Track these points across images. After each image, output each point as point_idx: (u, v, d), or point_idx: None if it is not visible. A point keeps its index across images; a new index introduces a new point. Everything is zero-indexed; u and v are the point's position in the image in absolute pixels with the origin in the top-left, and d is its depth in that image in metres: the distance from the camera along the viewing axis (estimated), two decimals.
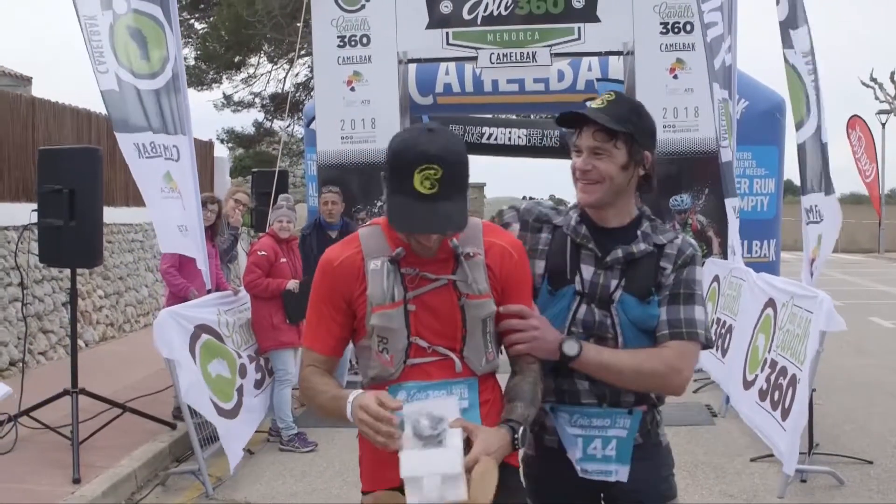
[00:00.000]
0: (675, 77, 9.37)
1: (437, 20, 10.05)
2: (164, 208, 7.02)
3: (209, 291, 7.33)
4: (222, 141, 34.25)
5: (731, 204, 8.00)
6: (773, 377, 6.47)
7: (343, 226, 8.33)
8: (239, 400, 6.79)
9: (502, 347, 2.73)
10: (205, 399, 6.22)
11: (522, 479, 2.76)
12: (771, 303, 6.92)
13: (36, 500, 5.63)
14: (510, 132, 24.39)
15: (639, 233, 2.75)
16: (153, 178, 7.03)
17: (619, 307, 2.69)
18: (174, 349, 6.12)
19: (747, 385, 7.04)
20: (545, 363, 2.69)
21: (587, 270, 2.74)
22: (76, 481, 5.93)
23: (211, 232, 7.76)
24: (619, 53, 10.65)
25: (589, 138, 2.68)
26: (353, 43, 10.17)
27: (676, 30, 9.54)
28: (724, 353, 7.98)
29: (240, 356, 7.05)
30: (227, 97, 32.66)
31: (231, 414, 6.58)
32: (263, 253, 7.31)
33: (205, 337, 6.55)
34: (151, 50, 7.16)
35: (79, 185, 6.44)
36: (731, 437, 7.27)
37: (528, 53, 9.95)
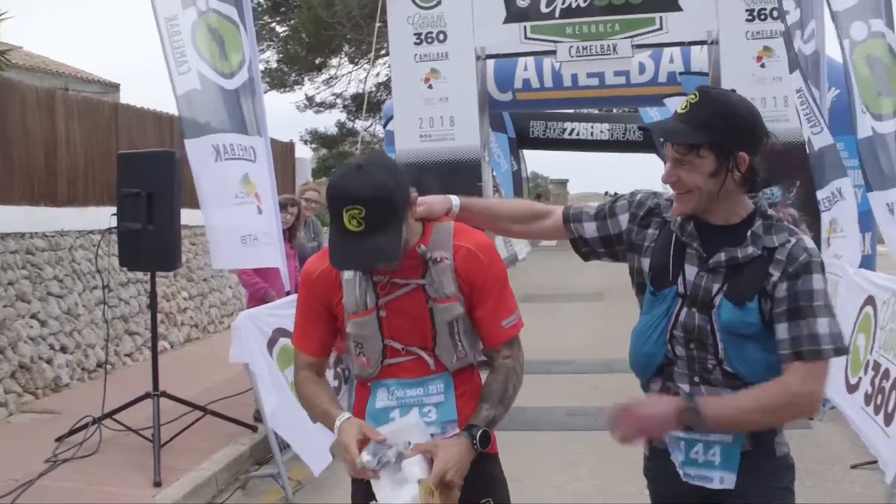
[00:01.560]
0: (763, 66, 8.98)
1: (514, 14, 9.87)
2: (232, 215, 6.80)
3: (288, 293, 7.30)
4: (305, 142, 34.70)
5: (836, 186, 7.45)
6: (876, 380, 6.15)
7: None
8: None
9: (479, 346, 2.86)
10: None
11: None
12: (870, 300, 6.59)
13: (117, 502, 5.64)
14: (592, 127, 24.13)
15: (749, 234, 2.55)
16: (230, 182, 6.92)
17: (717, 312, 2.55)
18: (253, 353, 6.09)
19: (851, 389, 6.70)
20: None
21: (690, 271, 2.61)
22: (157, 484, 5.93)
23: (289, 234, 7.73)
24: (702, 43, 10.32)
25: (670, 149, 2.55)
26: (429, 40, 10.06)
27: (763, 16, 9.15)
28: None
29: None
30: (310, 98, 33.07)
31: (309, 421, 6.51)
32: None
33: (283, 341, 6.50)
34: (229, 51, 7.15)
35: (156, 189, 6.44)
36: (829, 441, 6.94)
37: (608, 46, 9.71)
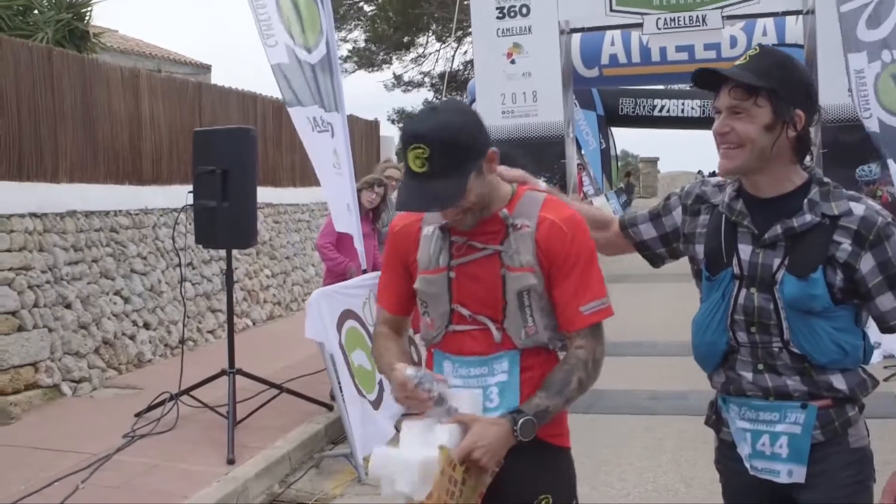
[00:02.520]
0: None
1: None
2: (335, 184, 6.94)
3: (365, 271, 7.22)
4: (393, 122, 34.76)
5: None
6: None
7: None
8: (380, 394, 6.65)
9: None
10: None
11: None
12: None
13: (191, 479, 5.65)
14: (683, 104, 23.56)
15: (805, 202, 2.40)
16: (326, 153, 6.97)
17: (780, 289, 2.41)
18: (326, 330, 6.04)
19: None
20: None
21: (745, 250, 2.47)
22: (230, 462, 5.92)
23: (373, 214, 7.66)
24: (797, 13, 9.92)
25: (726, 97, 2.41)
26: (512, 14, 9.87)
27: None
28: None
29: None
30: (397, 77, 33.12)
31: (373, 405, 6.46)
32: None
33: (350, 323, 6.43)
34: (306, 25, 7.09)
35: (232, 166, 6.40)
36: None
37: (697, 17, 9.37)
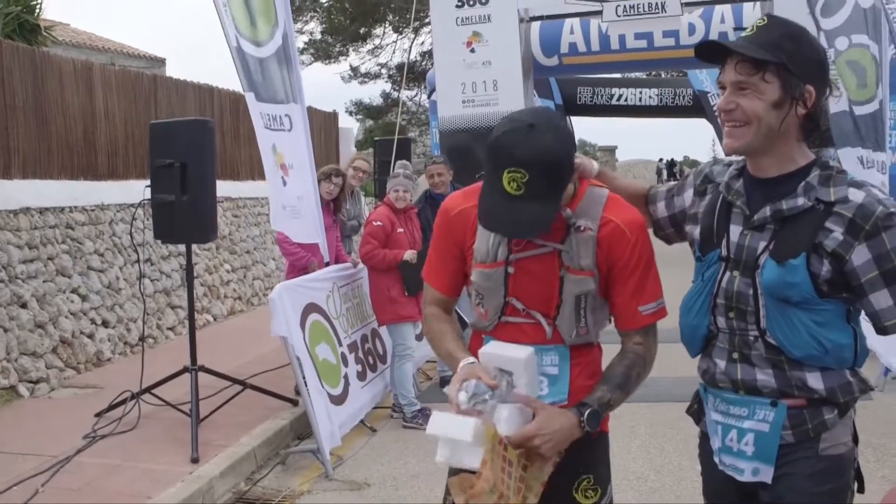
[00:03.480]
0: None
1: None
2: (273, 185, 6.88)
3: (327, 264, 7.14)
4: (350, 113, 34.56)
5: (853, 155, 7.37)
6: None
7: None
8: (345, 388, 6.58)
9: (611, 320, 2.66)
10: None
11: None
12: None
13: (155, 478, 5.53)
14: (640, 92, 23.60)
15: (801, 185, 2.26)
16: (267, 151, 6.87)
17: (760, 273, 2.29)
18: (289, 326, 5.95)
19: None
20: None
21: (735, 231, 2.36)
22: (195, 461, 5.81)
23: (334, 205, 7.55)
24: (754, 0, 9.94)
25: (732, 72, 2.25)
26: (471, 2, 9.77)
27: None
28: None
29: (340, 344, 6.83)
30: (354, 69, 32.87)
31: (338, 400, 6.39)
32: (379, 223, 7.03)
33: (313, 317, 6.35)
34: (259, 17, 6.96)
35: (190, 159, 6.26)
36: (892, 413, 6.62)
37: (656, 4, 9.35)
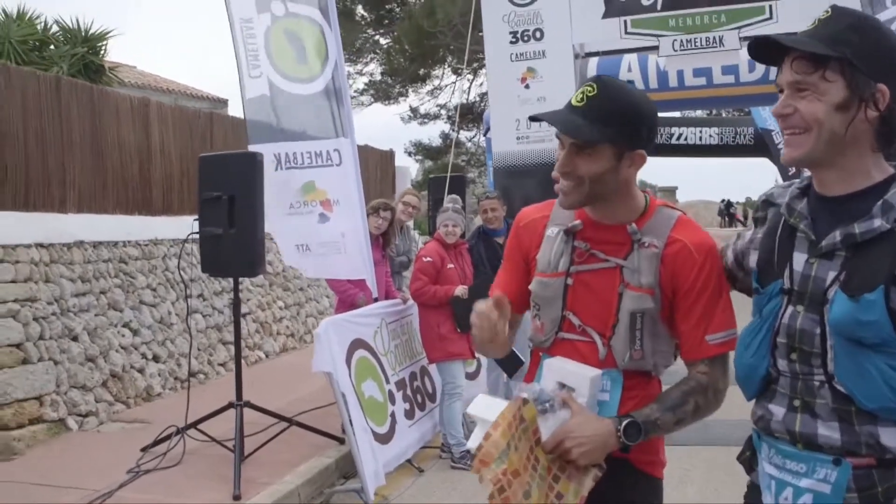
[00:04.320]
0: None
1: (614, 8, 9.43)
2: (284, 224, 6.96)
3: (376, 300, 7.03)
4: (410, 154, 34.66)
5: None
6: None
7: (508, 229, 7.85)
8: (392, 427, 6.44)
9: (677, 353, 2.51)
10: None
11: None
12: None
13: None
14: (701, 131, 23.31)
15: (878, 204, 1.92)
16: (285, 192, 6.93)
17: (830, 309, 1.94)
18: (335, 362, 5.85)
19: None
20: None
21: (799, 260, 2.04)
22: (237, 497, 5.70)
23: (383, 239, 7.47)
24: None
25: (788, 71, 1.96)
26: (525, 38, 9.70)
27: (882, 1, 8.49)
28: None
29: (388, 381, 6.70)
30: (414, 110, 33.03)
31: (384, 439, 6.25)
32: (429, 259, 6.92)
33: (360, 353, 6.24)
34: (310, 53, 6.98)
35: (239, 192, 6.24)
36: None
37: (714, 38, 9.17)
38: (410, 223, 8.57)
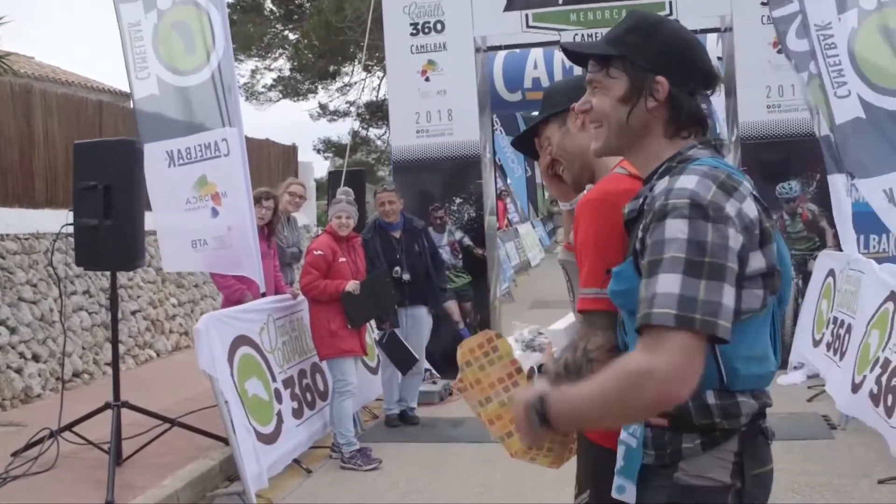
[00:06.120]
0: (780, 51, 8.34)
1: (515, 1, 9.36)
2: (182, 220, 6.67)
3: (264, 295, 6.77)
4: (319, 151, 34.27)
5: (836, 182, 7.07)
6: (884, 378, 5.64)
7: (405, 223, 7.68)
8: (278, 426, 6.21)
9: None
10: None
11: None
12: (892, 296, 6.02)
13: None
14: None
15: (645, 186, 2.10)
16: (182, 188, 6.68)
17: None
18: (215, 361, 5.58)
19: (855, 388, 6.22)
20: None
21: None
22: (110, 503, 5.39)
23: (267, 230, 7.19)
24: (715, 30, 9.79)
25: (587, 71, 2.19)
26: (426, 30, 9.57)
27: None
28: (842, 355, 7.03)
29: (274, 379, 6.45)
30: (323, 107, 32.62)
31: (269, 439, 6.01)
32: (320, 252, 6.69)
33: (244, 350, 5.99)
34: (196, 40, 6.72)
35: (116, 181, 5.94)
36: (854, 453, 6.29)
37: None
38: (297, 214, 8.29)
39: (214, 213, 6.61)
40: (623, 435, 2.12)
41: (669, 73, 2.07)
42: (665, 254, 1.86)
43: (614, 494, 2.13)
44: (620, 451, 2.12)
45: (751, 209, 1.94)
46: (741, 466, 2.00)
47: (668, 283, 1.83)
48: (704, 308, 1.81)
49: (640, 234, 1.97)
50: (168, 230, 6.79)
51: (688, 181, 1.92)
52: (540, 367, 2.56)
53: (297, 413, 6.62)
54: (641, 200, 2.03)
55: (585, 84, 2.19)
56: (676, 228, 1.86)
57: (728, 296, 1.84)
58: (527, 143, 2.74)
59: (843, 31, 6.34)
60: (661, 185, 1.98)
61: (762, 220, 1.96)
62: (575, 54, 2.23)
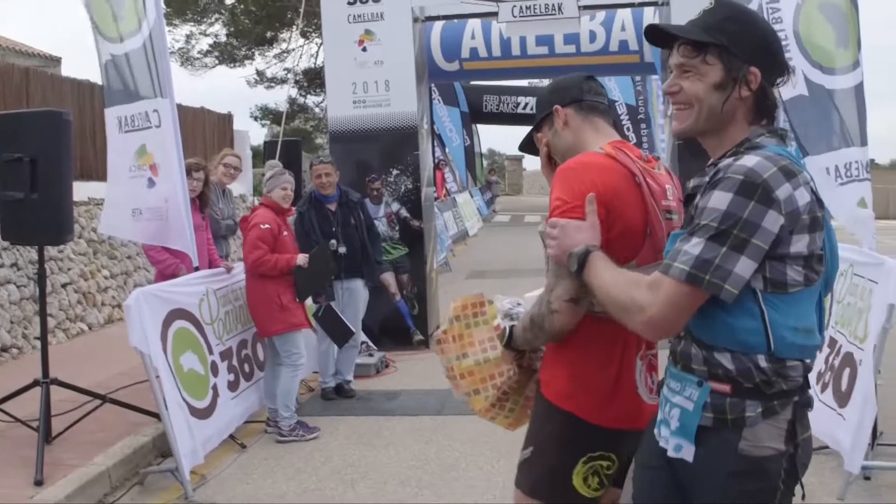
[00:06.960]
0: None
1: None
2: (126, 188, 6.63)
3: (197, 269, 6.66)
4: (256, 118, 33.84)
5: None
6: (830, 358, 5.65)
7: (341, 196, 7.62)
8: (213, 400, 6.14)
9: None
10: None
11: None
12: None
13: None
14: None
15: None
16: (126, 155, 6.62)
17: None
18: (147, 337, 5.49)
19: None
20: None
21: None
22: (38, 483, 5.29)
23: (200, 202, 7.07)
24: (653, 4, 9.83)
25: (676, 55, 2.32)
26: None
27: None
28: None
29: (211, 352, 6.38)
30: (260, 73, 32.19)
31: (203, 414, 5.95)
32: (267, 226, 6.59)
33: (179, 324, 5.90)
34: (126, 6, 6.54)
35: (42, 154, 5.77)
36: None
37: (553, 5, 9.16)
38: (232, 186, 8.16)
39: (151, 183, 6.52)
40: (678, 398, 2.28)
41: (762, 64, 2.23)
42: (703, 220, 2.11)
43: (671, 453, 2.28)
44: (675, 413, 2.28)
45: (803, 196, 2.11)
46: (794, 434, 2.19)
47: (694, 246, 2.10)
48: (716, 272, 2.08)
49: (696, 201, 2.19)
50: (113, 196, 6.82)
51: (749, 160, 2.12)
52: (512, 328, 2.84)
53: (233, 385, 6.56)
54: (699, 180, 2.23)
55: (670, 67, 2.31)
56: (720, 200, 2.09)
57: (743, 267, 2.07)
58: (530, 144, 3.02)
59: (789, 6, 6.37)
60: (727, 161, 2.17)
61: (814, 210, 2.13)
62: (666, 35, 2.33)
